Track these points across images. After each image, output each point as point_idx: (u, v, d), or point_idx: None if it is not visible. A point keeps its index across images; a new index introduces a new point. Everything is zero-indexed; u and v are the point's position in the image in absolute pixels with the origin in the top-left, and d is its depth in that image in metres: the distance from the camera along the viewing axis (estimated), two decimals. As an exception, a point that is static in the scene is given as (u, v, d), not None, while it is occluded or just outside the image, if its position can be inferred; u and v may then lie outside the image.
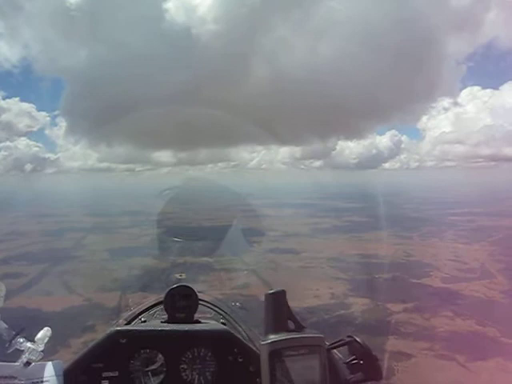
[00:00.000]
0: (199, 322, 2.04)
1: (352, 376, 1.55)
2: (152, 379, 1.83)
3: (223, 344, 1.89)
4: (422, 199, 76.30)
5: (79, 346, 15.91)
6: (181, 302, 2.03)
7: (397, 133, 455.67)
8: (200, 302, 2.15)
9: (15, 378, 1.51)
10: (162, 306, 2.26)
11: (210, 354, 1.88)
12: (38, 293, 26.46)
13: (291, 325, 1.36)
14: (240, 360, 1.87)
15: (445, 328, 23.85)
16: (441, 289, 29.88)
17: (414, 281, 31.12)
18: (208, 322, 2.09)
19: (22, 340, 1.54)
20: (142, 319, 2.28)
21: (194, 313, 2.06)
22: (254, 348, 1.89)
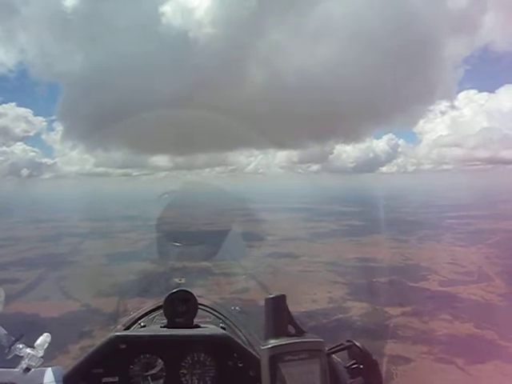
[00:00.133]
0: (199, 327, 2.03)
1: (352, 380, 1.55)
2: None
3: (223, 349, 1.88)
4: (419, 203, 76.45)
5: (77, 351, 15.88)
6: (180, 306, 2.02)
7: (394, 136, 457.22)
8: (199, 307, 2.14)
9: None
10: (161, 311, 2.25)
11: (209, 358, 1.88)
12: (36, 298, 26.39)
13: (291, 329, 1.36)
14: (240, 365, 1.87)
15: (443, 331, 23.84)
16: (439, 292, 29.90)
17: (412, 284, 31.13)
18: (208, 327, 2.08)
19: (21, 346, 1.54)
20: (142, 324, 2.28)
21: (194, 317, 2.05)
22: (254, 353, 1.88)
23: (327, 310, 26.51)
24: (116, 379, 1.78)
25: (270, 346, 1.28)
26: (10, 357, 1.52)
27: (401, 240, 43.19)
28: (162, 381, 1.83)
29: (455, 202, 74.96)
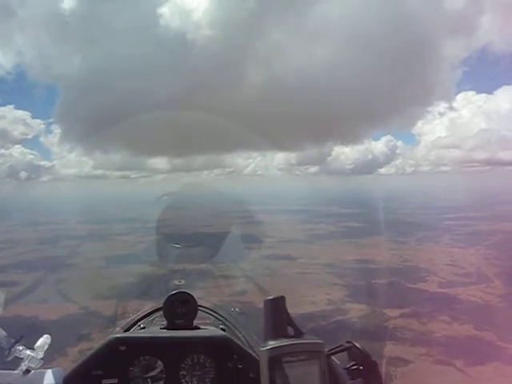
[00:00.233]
0: (198, 329, 2.03)
1: (352, 382, 1.55)
2: None
3: (223, 350, 1.88)
4: (417, 204, 76.44)
5: (75, 355, 15.81)
6: (180, 308, 2.03)
7: (392, 138, 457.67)
8: (199, 308, 2.15)
9: None
10: (161, 313, 2.25)
11: (209, 360, 1.88)
12: (34, 301, 26.30)
13: (291, 331, 1.36)
14: (240, 366, 1.87)
15: (442, 333, 23.84)
16: (437, 293, 29.90)
17: (411, 286, 31.13)
18: (207, 328, 2.08)
19: (21, 348, 1.54)
20: (142, 326, 2.27)
21: (194, 319, 2.05)
22: (254, 354, 1.88)
23: (326, 312, 26.48)
24: (116, 381, 1.78)
25: (269, 347, 1.28)
26: (10, 359, 1.52)
27: (399, 241, 43.19)
28: (161, 382, 1.84)
29: (453, 203, 75.02)
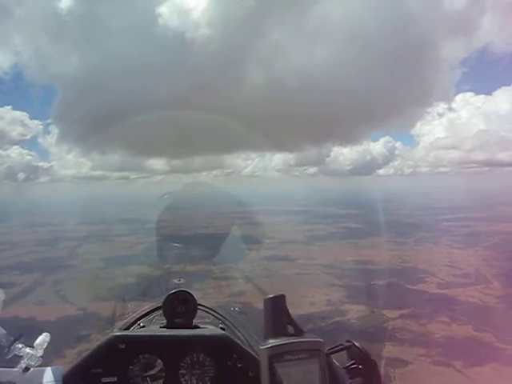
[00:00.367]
0: (198, 327, 2.03)
1: (351, 380, 1.55)
2: None
3: (222, 349, 1.88)
4: (416, 205, 76.58)
5: (74, 355, 15.78)
6: (179, 307, 2.02)
7: (391, 139, 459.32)
8: (199, 307, 2.14)
9: (14, 383, 1.51)
10: (160, 311, 2.25)
11: (209, 359, 1.88)
12: (33, 302, 26.30)
13: (291, 329, 1.36)
14: (239, 365, 1.87)
15: (441, 334, 23.86)
16: (436, 294, 29.92)
17: (410, 287, 31.15)
18: (207, 327, 2.08)
19: (20, 346, 1.54)
20: (141, 324, 2.27)
21: (193, 318, 2.04)
22: (254, 353, 1.88)
23: (325, 313, 26.49)
24: (115, 379, 1.78)
25: (269, 345, 1.27)
26: (10, 356, 1.52)
27: (398, 242, 43.22)
28: (161, 381, 1.83)
29: (452, 204, 75.14)
